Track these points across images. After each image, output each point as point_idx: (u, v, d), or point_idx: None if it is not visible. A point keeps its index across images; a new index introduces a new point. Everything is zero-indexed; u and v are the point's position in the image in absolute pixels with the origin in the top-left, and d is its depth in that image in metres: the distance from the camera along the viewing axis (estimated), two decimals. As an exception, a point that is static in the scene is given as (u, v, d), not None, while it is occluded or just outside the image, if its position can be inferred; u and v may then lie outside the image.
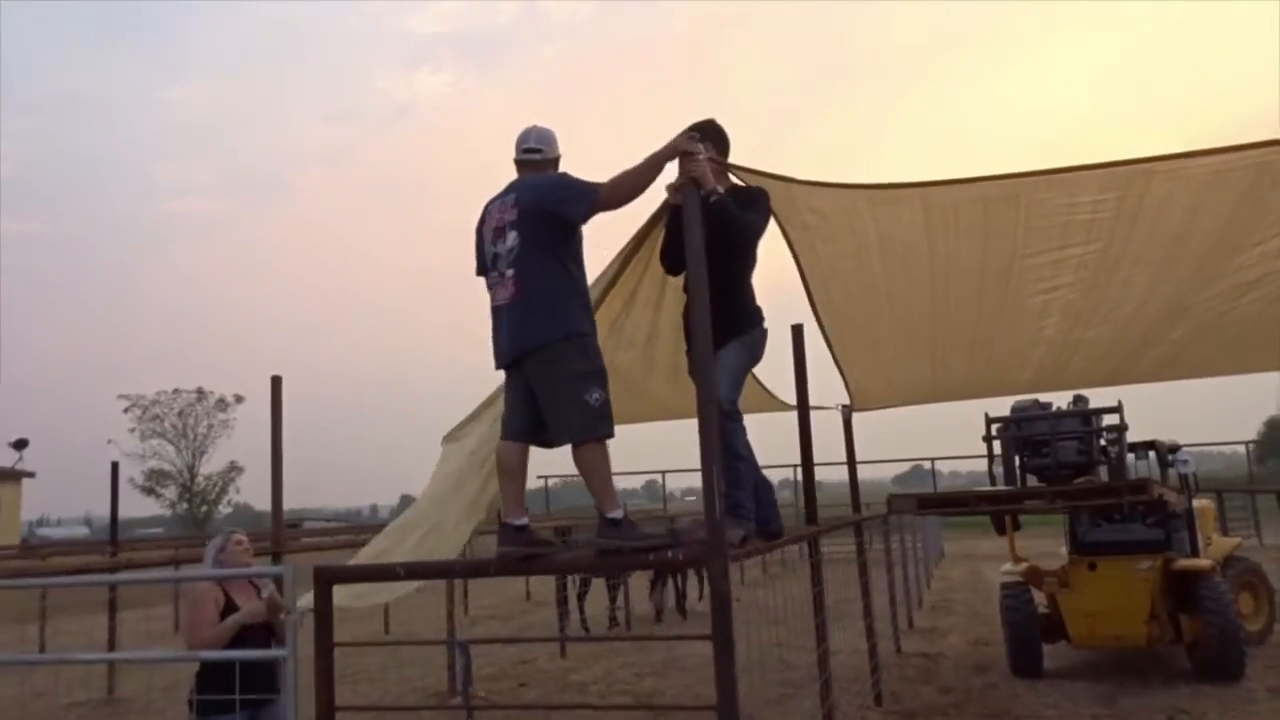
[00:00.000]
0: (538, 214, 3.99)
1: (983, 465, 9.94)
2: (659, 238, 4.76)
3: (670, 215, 4.54)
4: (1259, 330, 5.85)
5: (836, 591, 16.07)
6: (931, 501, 8.73)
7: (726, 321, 4.08)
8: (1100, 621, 8.70)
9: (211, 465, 58.22)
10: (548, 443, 4.10)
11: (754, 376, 6.70)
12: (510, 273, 4.02)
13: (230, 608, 4.94)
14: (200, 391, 57.74)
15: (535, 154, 4.28)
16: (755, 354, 4.44)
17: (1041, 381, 7.81)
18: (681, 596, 14.64)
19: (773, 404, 8.12)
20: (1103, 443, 8.70)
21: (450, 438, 6.37)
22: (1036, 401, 9.10)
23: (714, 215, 3.98)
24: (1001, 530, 9.99)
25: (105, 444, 53.31)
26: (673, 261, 4.66)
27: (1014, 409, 9.15)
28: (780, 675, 9.87)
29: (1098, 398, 8.56)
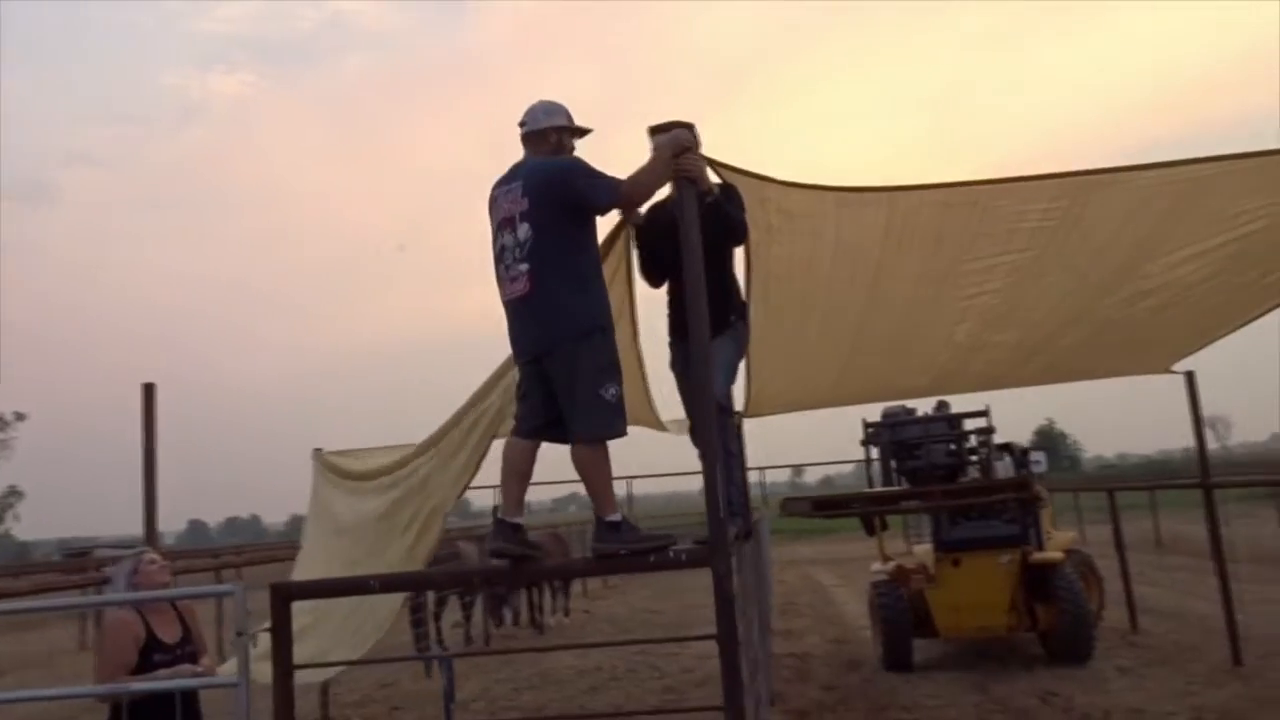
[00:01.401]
0: (553, 201, 3.78)
1: (846, 470, 10.31)
2: (617, 266, 4.66)
3: (644, 229, 4.46)
4: (1142, 335, 6.40)
5: (688, 598, 16.37)
6: (826, 503, 8.99)
7: (716, 316, 4.04)
8: (965, 614, 9.22)
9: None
10: (562, 439, 3.92)
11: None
12: (524, 267, 3.79)
13: (152, 642, 4.39)
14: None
15: (523, 126, 4.08)
16: (743, 347, 4.44)
17: (937, 386, 8.21)
18: (537, 610, 14.39)
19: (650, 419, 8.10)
20: (968, 445, 9.25)
21: (365, 476, 5.99)
22: (904, 407, 9.58)
23: (710, 214, 3.93)
24: (871, 531, 10.41)
25: None
26: (659, 272, 4.60)
27: (885, 415, 9.59)
28: (660, 683, 9.88)
29: (977, 402, 9.11)
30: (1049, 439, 58.21)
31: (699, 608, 15.71)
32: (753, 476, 9.33)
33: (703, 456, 3.76)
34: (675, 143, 3.87)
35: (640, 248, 4.60)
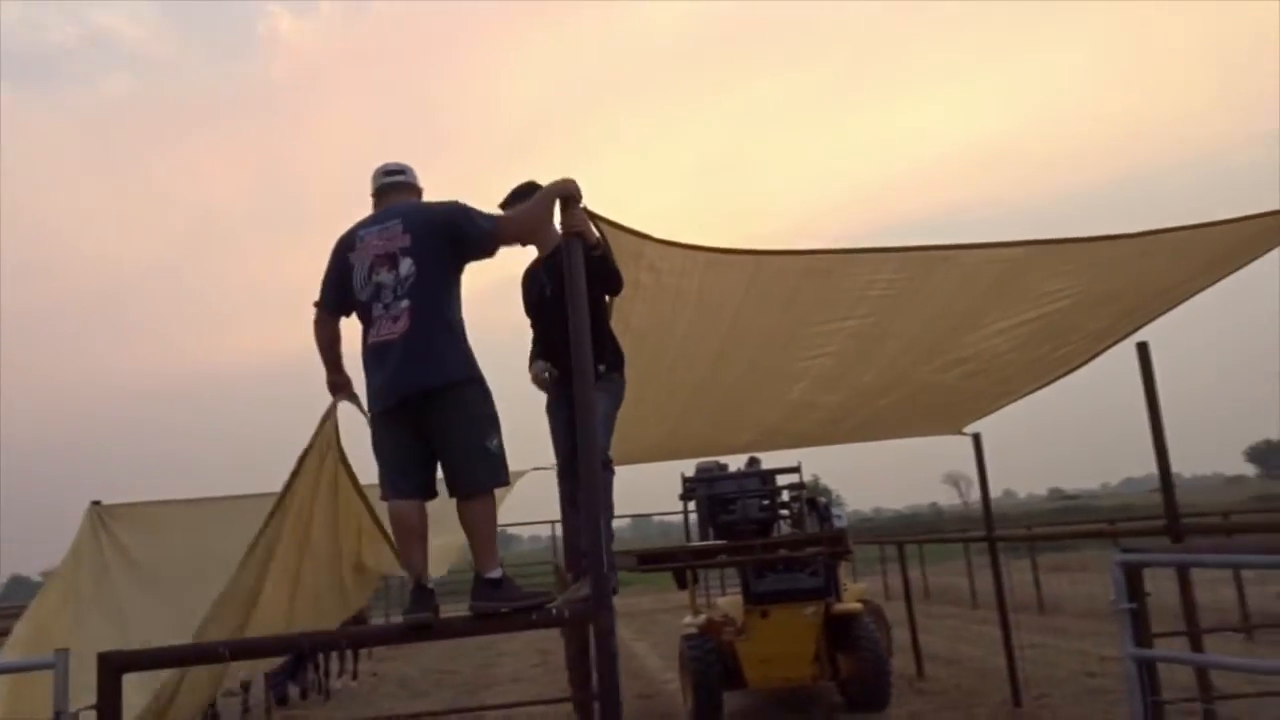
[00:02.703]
0: (439, 235, 3.72)
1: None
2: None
3: (531, 268, 4.50)
4: (949, 398, 6.94)
5: (477, 658, 15.90)
6: (651, 557, 9.03)
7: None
8: (773, 665, 9.49)
9: None
10: (430, 495, 3.74)
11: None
12: (405, 304, 3.67)
13: None
14: None
15: (398, 175, 4.04)
16: (619, 399, 4.44)
17: (757, 443, 8.50)
18: (325, 675, 13.56)
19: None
20: (780, 500, 9.64)
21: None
22: (717, 463, 9.86)
23: (593, 266, 3.95)
24: (683, 585, 10.56)
25: None
26: (537, 311, 4.59)
27: (699, 470, 9.82)
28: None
29: (785, 458, 9.49)
30: (817, 493, 61.51)
31: (491, 667, 15.35)
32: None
33: (587, 509, 3.71)
34: (563, 190, 3.86)
35: (526, 282, 4.60)
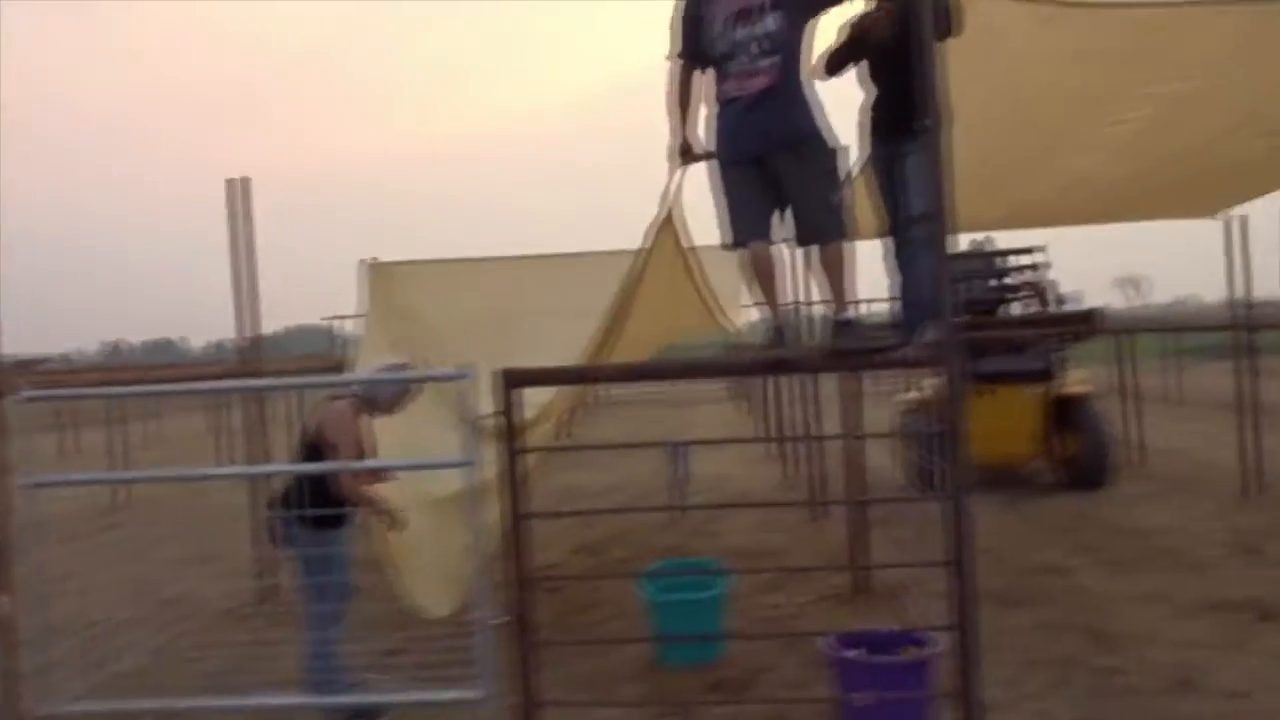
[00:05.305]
0: None
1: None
2: None
3: (855, 26, 4.37)
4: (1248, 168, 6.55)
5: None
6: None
7: (909, 119, 4.09)
8: (993, 442, 9.67)
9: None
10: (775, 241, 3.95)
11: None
12: (769, 62, 3.73)
13: None
14: None
15: None
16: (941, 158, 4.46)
17: (1005, 220, 8.31)
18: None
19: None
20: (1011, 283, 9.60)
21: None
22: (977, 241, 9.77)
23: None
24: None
25: None
26: (838, 65, 4.52)
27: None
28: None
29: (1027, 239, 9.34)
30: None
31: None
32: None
33: (928, 259, 3.78)
34: None
35: (850, 39, 4.50)
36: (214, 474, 9.69)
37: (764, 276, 3.94)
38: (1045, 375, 9.86)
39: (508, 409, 3.92)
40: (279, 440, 8.72)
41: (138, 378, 7.22)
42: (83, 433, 16.84)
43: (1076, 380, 10.75)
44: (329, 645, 4.46)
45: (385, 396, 4.62)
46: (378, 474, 4.64)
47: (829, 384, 8.45)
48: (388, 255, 7.63)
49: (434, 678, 4.19)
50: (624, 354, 4.74)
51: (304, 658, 4.53)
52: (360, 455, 4.45)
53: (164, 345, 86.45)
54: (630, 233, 5.15)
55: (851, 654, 4.20)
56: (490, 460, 4.14)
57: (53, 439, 17.05)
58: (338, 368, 9.05)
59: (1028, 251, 9.62)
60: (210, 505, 9.79)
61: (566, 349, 5.16)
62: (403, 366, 4.74)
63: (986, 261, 9.79)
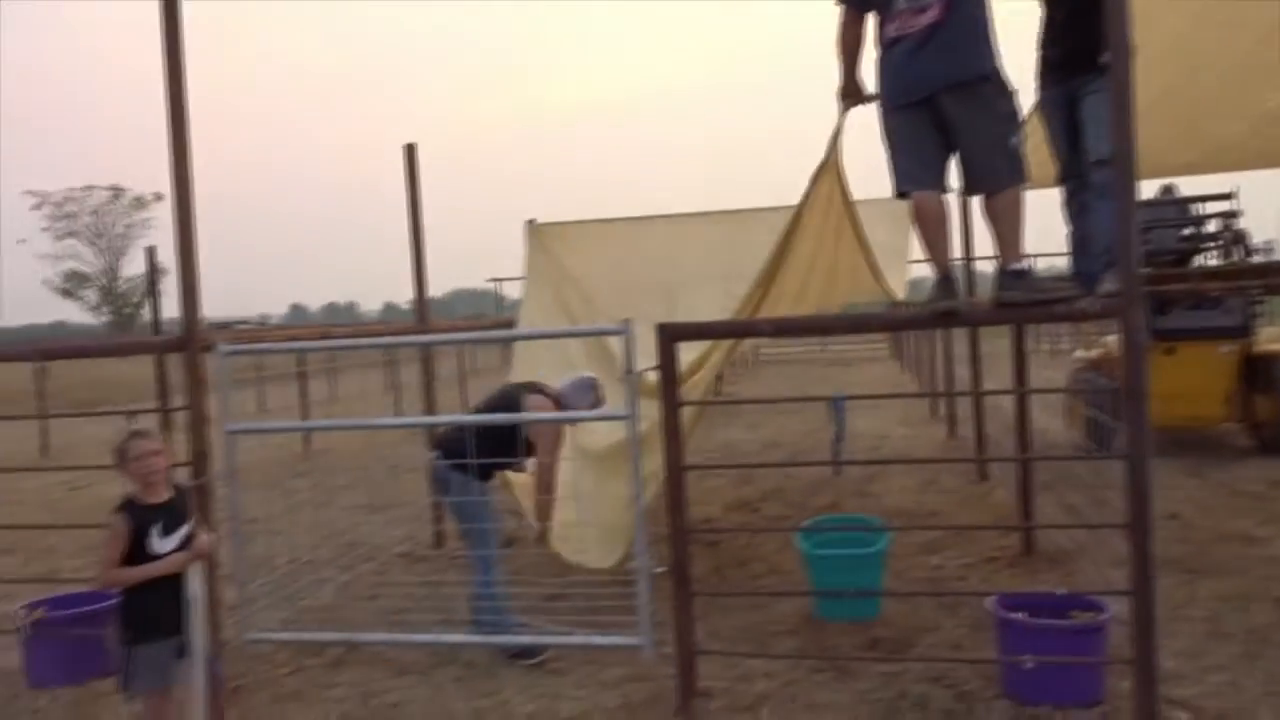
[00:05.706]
0: None
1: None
2: None
3: None
4: None
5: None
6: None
7: (1093, 54, 3.89)
8: (1177, 403, 9.07)
9: (134, 267, 52.91)
10: (948, 188, 3.82)
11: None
12: None
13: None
14: (115, 189, 53.03)
15: None
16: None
17: (1194, 164, 7.74)
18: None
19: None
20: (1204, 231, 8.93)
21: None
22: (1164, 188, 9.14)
23: None
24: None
25: (16, 244, 49.38)
26: None
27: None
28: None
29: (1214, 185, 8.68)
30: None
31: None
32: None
33: (1119, 196, 3.55)
34: None
35: None
36: (402, 423, 10.43)
37: (933, 225, 3.83)
38: (1239, 332, 9.16)
39: (666, 363, 3.99)
40: (448, 396, 9.15)
41: (323, 333, 7.68)
42: (269, 391, 18.07)
43: (1272, 337, 9.94)
44: (492, 587, 4.69)
45: (580, 406, 5.14)
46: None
47: (998, 342, 8.15)
48: (547, 218, 7.82)
49: (594, 623, 4.33)
50: (782, 310, 4.69)
51: (471, 598, 4.78)
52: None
53: (343, 308, 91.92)
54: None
55: (1019, 615, 4.07)
56: (647, 414, 4.23)
57: (247, 395, 18.41)
58: (506, 325, 9.39)
59: (1223, 198, 8.90)
60: (386, 457, 10.43)
61: (725, 310, 5.16)
62: (594, 383, 5.24)
63: (1174, 209, 9.13)
